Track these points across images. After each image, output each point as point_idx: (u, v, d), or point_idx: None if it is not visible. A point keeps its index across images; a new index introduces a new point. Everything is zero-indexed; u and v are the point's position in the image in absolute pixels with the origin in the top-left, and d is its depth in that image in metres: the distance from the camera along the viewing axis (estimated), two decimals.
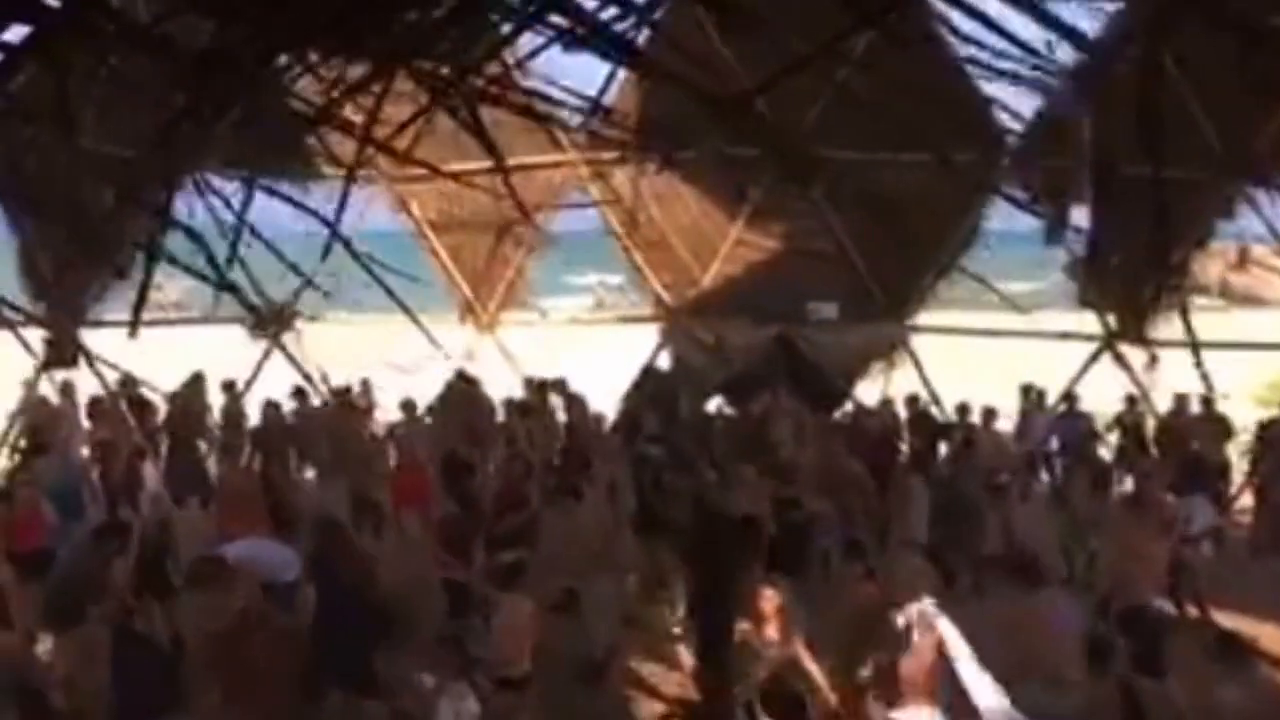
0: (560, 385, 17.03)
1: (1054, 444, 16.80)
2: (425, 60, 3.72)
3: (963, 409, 16.12)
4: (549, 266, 21.57)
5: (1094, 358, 17.24)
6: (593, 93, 14.37)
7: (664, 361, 19.36)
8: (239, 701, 7.67)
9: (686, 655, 10.67)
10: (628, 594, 11.66)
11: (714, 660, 9.54)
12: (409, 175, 18.97)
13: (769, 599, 8.38)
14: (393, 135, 4.47)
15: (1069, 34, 3.41)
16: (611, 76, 16.64)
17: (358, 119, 4.53)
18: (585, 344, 21.71)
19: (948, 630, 7.42)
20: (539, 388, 16.93)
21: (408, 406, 16.28)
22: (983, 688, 7.13)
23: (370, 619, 8.96)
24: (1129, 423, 16.70)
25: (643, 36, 3.81)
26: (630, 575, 11.83)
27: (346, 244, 5.69)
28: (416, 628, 10.17)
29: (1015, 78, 4.36)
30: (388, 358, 18.43)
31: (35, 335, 16.21)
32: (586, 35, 3.34)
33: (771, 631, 8.33)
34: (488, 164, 16.61)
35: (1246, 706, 7.68)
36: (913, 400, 16.98)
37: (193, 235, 4.45)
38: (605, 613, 10.85)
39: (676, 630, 11.11)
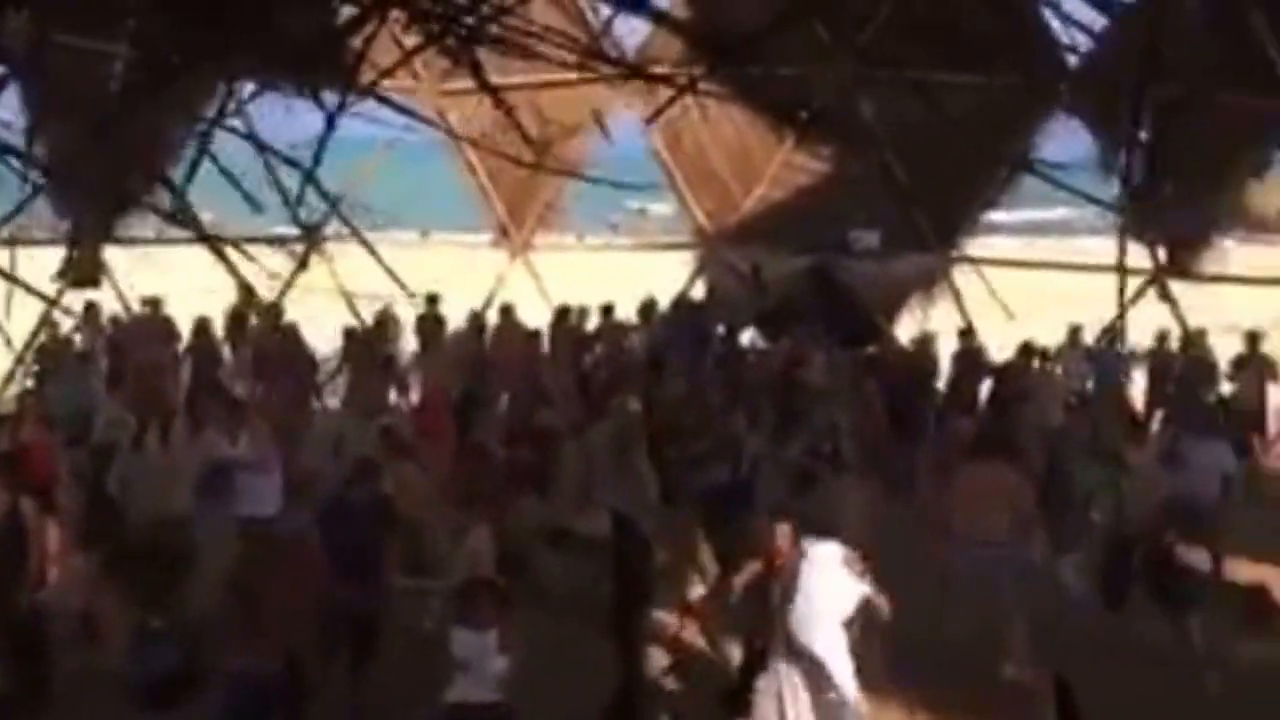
0: (603, 312, 16.54)
1: (1089, 384, 15.38)
2: None
3: (1026, 349, 14.87)
4: (589, 191, 20.93)
5: (1139, 292, 16.30)
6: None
7: (698, 291, 18.76)
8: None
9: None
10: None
11: None
12: (449, 89, 18.09)
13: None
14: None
15: None
16: None
17: None
18: (622, 271, 21.12)
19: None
20: (561, 314, 16.35)
21: (424, 321, 16.04)
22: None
23: None
24: (1158, 363, 15.64)
25: None
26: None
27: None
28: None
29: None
30: (416, 281, 17.83)
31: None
32: None
33: None
34: (529, 79, 15.97)
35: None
36: (964, 333, 16.11)
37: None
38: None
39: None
